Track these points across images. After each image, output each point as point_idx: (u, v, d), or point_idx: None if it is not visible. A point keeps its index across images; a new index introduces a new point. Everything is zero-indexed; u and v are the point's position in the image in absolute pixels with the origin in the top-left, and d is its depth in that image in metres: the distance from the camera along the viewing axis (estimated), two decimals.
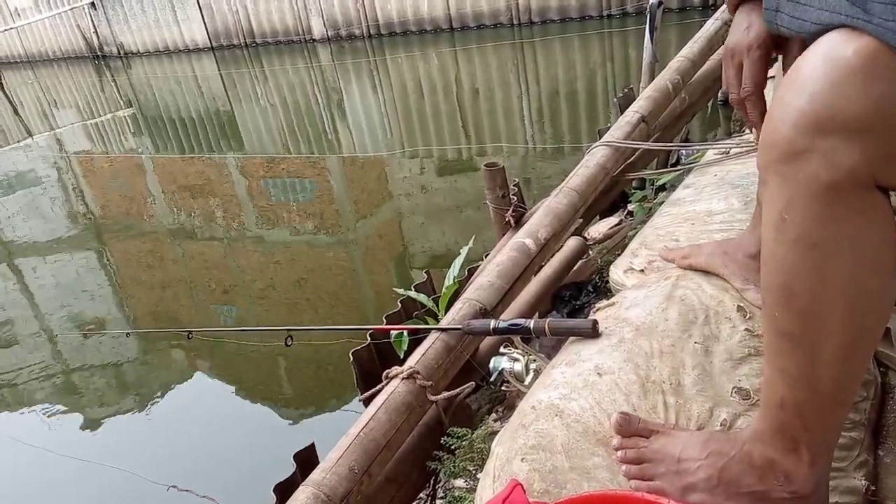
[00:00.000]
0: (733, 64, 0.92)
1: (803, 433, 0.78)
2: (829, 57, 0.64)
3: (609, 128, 2.51)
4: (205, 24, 14.05)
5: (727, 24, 2.29)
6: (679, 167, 2.76)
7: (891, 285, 0.72)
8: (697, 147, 2.61)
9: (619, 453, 0.94)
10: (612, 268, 1.60)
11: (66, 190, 7.79)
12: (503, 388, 1.94)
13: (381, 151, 7.23)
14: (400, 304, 2.07)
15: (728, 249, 1.23)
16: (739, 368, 1.06)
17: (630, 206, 3.12)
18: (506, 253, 1.82)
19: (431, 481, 1.64)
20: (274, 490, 1.38)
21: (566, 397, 1.07)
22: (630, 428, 0.95)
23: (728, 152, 1.95)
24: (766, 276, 0.75)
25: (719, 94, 3.71)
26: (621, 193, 3.08)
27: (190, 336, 2.21)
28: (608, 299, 1.39)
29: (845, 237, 0.68)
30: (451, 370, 1.55)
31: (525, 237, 1.87)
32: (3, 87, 15.19)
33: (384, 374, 1.47)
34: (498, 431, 1.24)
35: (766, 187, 0.73)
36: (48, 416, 3.81)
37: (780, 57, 0.95)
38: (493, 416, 2.03)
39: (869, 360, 1.11)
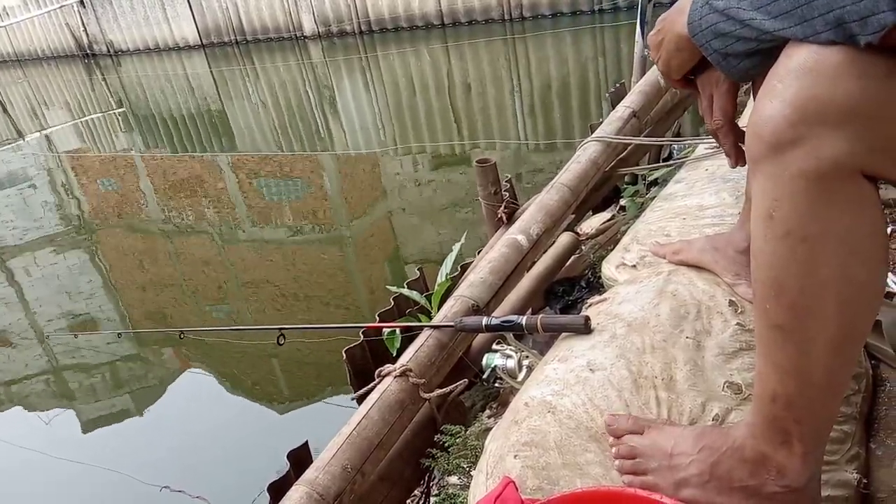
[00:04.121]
0: (705, 96, 0.93)
1: (795, 426, 0.78)
2: (813, 51, 0.65)
3: (601, 123, 2.51)
4: (195, 21, 13.98)
5: None
6: (671, 162, 2.76)
7: (880, 275, 0.73)
8: (689, 142, 2.61)
9: (613, 449, 0.94)
10: (604, 263, 1.60)
11: (57, 189, 7.75)
12: (496, 384, 1.94)
13: (373, 149, 7.22)
14: (393, 302, 2.07)
15: (718, 245, 1.23)
16: (731, 363, 1.06)
17: (622, 202, 3.13)
18: (498, 249, 1.82)
19: (425, 479, 1.64)
20: (268, 489, 1.38)
21: (559, 394, 1.07)
22: (620, 428, 0.95)
23: (718, 147, 1.94)
24: (756, 271, 0.76)
25: None
26: (614, 188, 3.08)
27: (182, 336, 2.20)
28: (600, 295, 1.38)
29: (833, 231, 0.68)
30: (444, 367, 1.55)
31: (517, 233, 1.87)
32: None
33: (377, 372, 1.47)
34: (491, 428, 1.24)
35: (754, 185, 0.73)
36: (39, 418, 3.79)
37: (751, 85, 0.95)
38: (487, 412, 2.03)
39: (860, 352, 1.11)
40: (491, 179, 2.33)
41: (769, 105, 0.68)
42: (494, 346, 1.68)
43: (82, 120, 10.87)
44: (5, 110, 13.01)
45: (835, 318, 0.71)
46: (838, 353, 0.74)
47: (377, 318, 1.96)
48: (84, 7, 15.09)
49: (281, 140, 8.16)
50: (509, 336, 1.64)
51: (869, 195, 0.69)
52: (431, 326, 1.55)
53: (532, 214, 1.95)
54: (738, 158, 0.96)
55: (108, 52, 15.55)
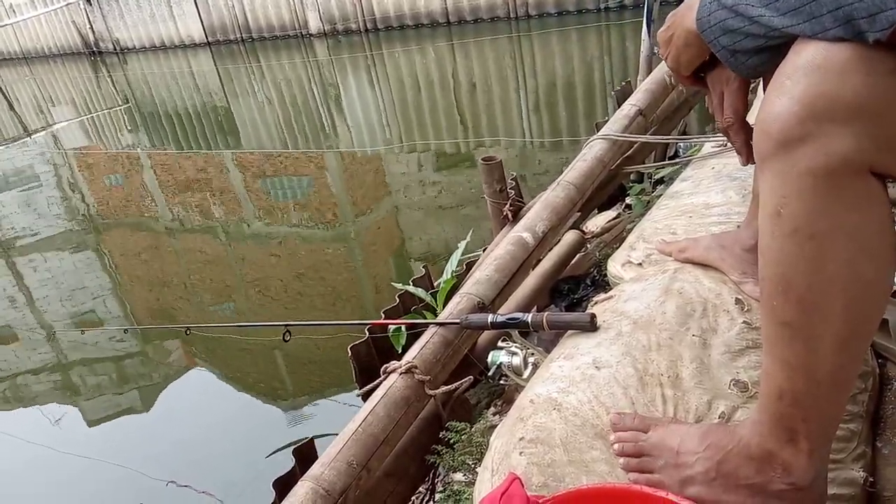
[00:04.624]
0: (715, 94, 0.92)
1: (801, 424, 0.78)
2: (822, 48, 0.65)
3: (607, 121, 2.50)
4: (200, 19, 14.00)
5: None
6: (677, 160, 2.76)
7: (888, 273, 0.73)
8: (695, 140, 2.60)
9: (617, 446, 0.94)
10: (609, 261, 1.59)
11: (64, 186, 7.78)
12: (502, 381, 1.94)
13: (378, 146, 7.22)
14: (398, 299, 2.07)
15: (725, 243, 1.23)
16: (738, 361, 1.06)
17: (628, 200, 3.12)
18: (503, 247, 1.82)
19: (430, 475, 1.64)
20: (273, 485, 1.38)
21: (564, 391, 1.07)
22: (626, 425, 0.95)
23: (726, 145, 1.94)
24: (763, 267, 0.76)
25: None
26: (619, 187, 3.07)
27: (188, 332, 2.20)
28: (606, 293, 1.38)
29: (841, 228, 0.68)
30: (450, 364, 1.55)
31: (523, 231, 1.87)
32: None
33: (382, 368, 1.47)
34: (496, 425, 1.24)
35: (762, 182, 0.73)
36: (47, 414, 3.81)
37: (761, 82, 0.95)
38: (492, 409, 2.03)
39: (867, 349, 1.11)
40: (496, 177, 2.33)
41: (778, 102, 0.68)
42: (500, 344, 1.68)
43: (88, 117, 10.90)
44: (12, 107, 13.06)
45: (842, 315, 0.71)
46: (845, 350, 0.74)
47: (382, 315, 1.96)
48: (90, 5, 15.13)
49: (286, 138, 8.17)
50: (515, 333, 1.64)
51: (877, 193, 0.69)
52: (437, 323, 1.55)
53: (538, 212, 1.95)
54: (748, 156, 0.95)
55: (115, 49, 15.59)
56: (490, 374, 1.69)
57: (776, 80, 0.69)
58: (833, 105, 0.64)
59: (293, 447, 1.46)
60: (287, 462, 1.43)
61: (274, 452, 2.90)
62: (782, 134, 0.67)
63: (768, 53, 0.73)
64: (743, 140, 0.94)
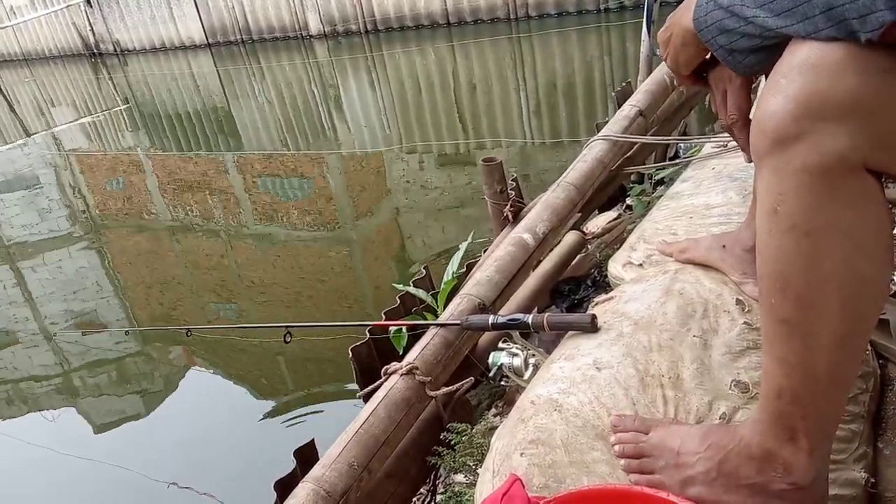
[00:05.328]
0: (718, 92, 0.93)
1: (800, 421, 0.78)
2: (816, 48, 0.65)
3: (607, 122, 2.50)
4: (201, 20, 14.01)
5: None
6: (677, 161, 2.76)
7: (884, 271, 0.73)
8: (695, 141, 2.60)
9: (618, 448, 0.94)
10: (610, 262, 1.60)
11: (64, 188, 7.78)
12: (502, 383, 1.94)
13: (379, 147, 7.22)
14: (399, 300, 2.07)
15: (725, 243, 1.23)
16: (738, 361, 1.06)
17: (628, 201, 3.12)
18: (504, 248, 1.82)
19: (431, 476, 1.64)
20: (274, 487, 1.38)
21: (565, 392, 1.07)
22: (626, 426, 0.95)
23: (726, 145, 1.94)
24: (762, 265, 0.76)
25: None
26: (620, 187, 3.07)
27: (189, 334, 2.20)
28: (607, 294, 1.39)
29: (837, 225, 0.69)
30: (451, 365, 1.55)
31: (523, 232, 1.87)
32: None
33: (383, 370, 1.47)
34: (497, 426, 1.25)
35: (759, 180, 0.74)
36: (48, 416, 3.81)
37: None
38: (493, 411, 2.03)
39: (865, 347, 1.11)
40: (497, 178, 2.33)
41: (773, 100, 0.69)
42: (500, 345, 1.68)
43: (88, 119, 10.90)
44: (13, 109, 13.07)
45: (839, 312, 0.72)
46: (842, 347, 0.74)
47: (383, 317, 1.96)
48: (91, 6, 15.14)
49: (287, 139, 8.17)
50: (515, 334, 1.64)
51: (873, 191, 0.69)
52: (438, 325, 1.55)
53: (538, 213, 1.95)
54: None
55: (115, 51, 15.59)
56: (491, 375, 1.69)
57: (772, 79, 0.70)
58: (827, 103, 0.65)
59: (294, 448, 1.46)
60: (288, 463, 1.43)
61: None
62: (777, 132, 0.68)
63: (765, 52, 0.73)
64: (747, 137, 0.94)
